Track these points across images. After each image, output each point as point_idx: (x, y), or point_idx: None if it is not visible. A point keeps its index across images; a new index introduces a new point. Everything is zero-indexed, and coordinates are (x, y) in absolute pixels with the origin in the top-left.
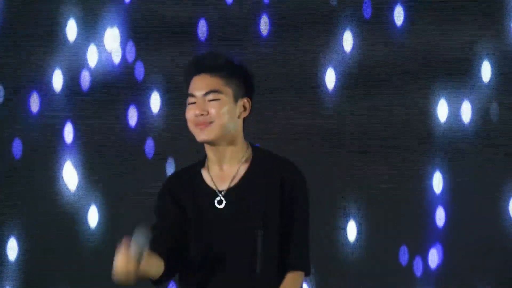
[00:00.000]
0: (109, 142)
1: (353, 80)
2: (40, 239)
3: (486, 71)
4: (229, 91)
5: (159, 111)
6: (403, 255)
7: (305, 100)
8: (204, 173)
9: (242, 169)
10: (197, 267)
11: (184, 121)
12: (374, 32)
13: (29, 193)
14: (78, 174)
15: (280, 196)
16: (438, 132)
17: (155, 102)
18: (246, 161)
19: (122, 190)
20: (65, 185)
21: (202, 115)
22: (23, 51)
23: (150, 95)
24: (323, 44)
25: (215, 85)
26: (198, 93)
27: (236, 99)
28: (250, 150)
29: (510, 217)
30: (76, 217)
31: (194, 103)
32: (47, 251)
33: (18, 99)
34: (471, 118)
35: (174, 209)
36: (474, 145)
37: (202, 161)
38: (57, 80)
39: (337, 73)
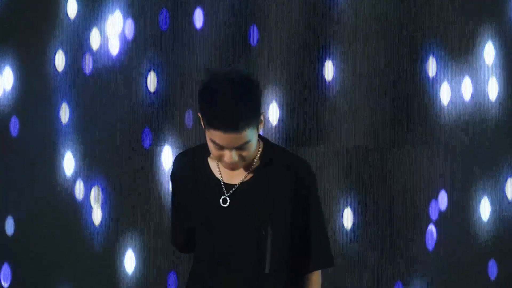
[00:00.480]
0: (106, 125)
1: (352, 70)
2: (36, 217)
3: (489, 52)
4: (255, 129)
5: (155, 91)
6: (401, 241)
7: (303, 91)
8: (212, 163)
9: (254, 165)
10: (204, 266)
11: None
12: (371, 19)
13: (25, 170)
14: (74, 156)
15: (293, 194)
16: (439, 117)
17: (152, 85)
18: (257, 157)
19: (118, 170)
20: (61, 166)
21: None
22: (24, 30)
23: (146, 78)
24: (321, 34)
25: (246, 138)
26: (229, 147)
27: (258, 126)
28: (261, 144)
29: (505, 196)
30: (71, 197)
31: (222, 148)
32: (43, 229)
33: (20, 78)
34: (472, 96)
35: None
36: (474, 126)
37: (207, 148)
38: (59, 60)
39: (335, 64)
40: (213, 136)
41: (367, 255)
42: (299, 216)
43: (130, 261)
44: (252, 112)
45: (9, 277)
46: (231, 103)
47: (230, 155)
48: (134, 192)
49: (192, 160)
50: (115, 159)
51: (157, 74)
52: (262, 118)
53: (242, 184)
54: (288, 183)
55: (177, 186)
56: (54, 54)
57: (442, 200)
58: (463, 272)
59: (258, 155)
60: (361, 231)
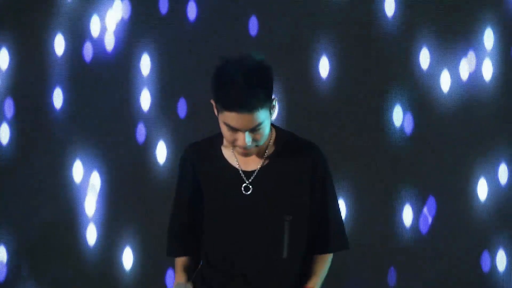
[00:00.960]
0: (100, 115)
1: (346, 65)
2: (27, 201)
3: (488, 38)
4: (267, 112)
5: (149, 77)
6: (394, 227)
7: (302, 82)
8: (226, 152)
9: (268, 151)
10: (222, 253)
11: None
12: (368, 7)
13: (19, 155)
14: (70, 146)
15: (311, 177)
16: (435, 104)
17: (146, 70)
18: (271, 143)
19: (114, 165)
20: (57, 157)
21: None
22: (21, 11)
23: (140, 59)
24: (317, 31)
25: (259, 119)
26: (242, 129)
27: (270, 110)
28: (274, 130)
29: (497, 178)
30: (68, 184)
31: (236, 131)
32: (37, 220)
33: (16, 59)
34: (469, 76)
35: (196, 183)
36: (470, 111)
37: (220, 137)
38: (58, 46)
39: (330, 60)
40: (227, 119)
41: (360, 241)
42: (317, 199)
43: (128, 258)
44: (264, 93)
45: (4, 272)
46: (244, 84)
47: (244, 138)
48: (132, 186)
49: (205, 150)
50: (110, 153)
51: (152, 62)
52: (274, 103)
53: (260, 170)
54: (306, 167)
55: (189, 177)
56: (53, 38)
57: (437, 185)
58: (457, 257)
59: (272, 141)
60: (354, 217)
